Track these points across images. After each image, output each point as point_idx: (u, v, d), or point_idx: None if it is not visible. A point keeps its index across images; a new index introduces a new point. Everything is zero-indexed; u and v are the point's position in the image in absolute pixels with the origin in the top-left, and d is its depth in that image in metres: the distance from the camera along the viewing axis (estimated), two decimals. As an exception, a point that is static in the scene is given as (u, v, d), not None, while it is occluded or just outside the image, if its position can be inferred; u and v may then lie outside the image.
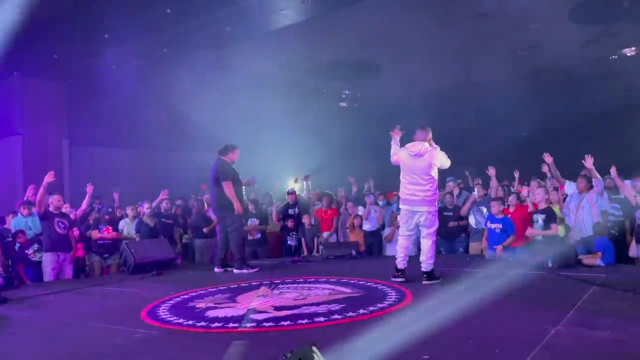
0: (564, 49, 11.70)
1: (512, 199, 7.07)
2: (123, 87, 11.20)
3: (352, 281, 5.55)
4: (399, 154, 5.47)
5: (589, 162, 6.37)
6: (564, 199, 7.09)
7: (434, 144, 5.43)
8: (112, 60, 11.19)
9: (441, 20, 10.41)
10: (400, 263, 5.47)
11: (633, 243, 6.08)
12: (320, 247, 7.89)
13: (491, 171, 7.46)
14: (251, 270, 6.52)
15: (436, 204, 5.49)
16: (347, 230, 8.25)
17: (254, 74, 12.46)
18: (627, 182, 6.61)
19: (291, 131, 12.79)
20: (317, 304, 4.52)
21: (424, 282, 5.29)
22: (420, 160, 5.29)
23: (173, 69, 11.34)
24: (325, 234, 8.33)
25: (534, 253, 5.99)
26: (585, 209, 6.46)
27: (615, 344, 3.10)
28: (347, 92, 15.58)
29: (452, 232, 7.83)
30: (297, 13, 10.29)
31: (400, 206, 5.53)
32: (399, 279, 5.39)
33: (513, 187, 8.44)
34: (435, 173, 5.34)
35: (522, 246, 6.68)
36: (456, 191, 8.42)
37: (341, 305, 4.43)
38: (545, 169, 7.55)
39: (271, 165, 12.46)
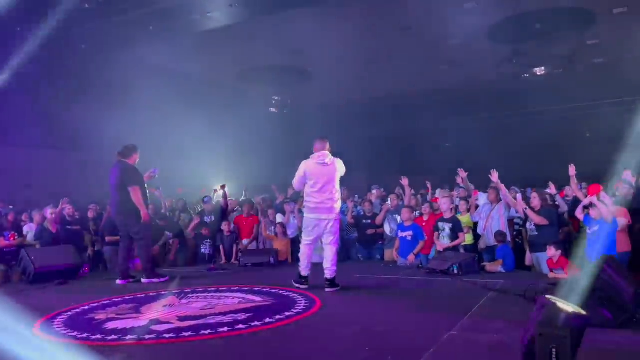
0: (480, 66, 12.41)
1: (425, 207, 7.33)
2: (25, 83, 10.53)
3: (265, 289, 5.50)
4: (306, 165, 5.49)
5: (494, 176, 6.72)
6: (476, 208, 7.44)
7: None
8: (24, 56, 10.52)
9: (368, 31, 10.69)
10: (305, 270, 5.53)
11: (528, 251, 6.48)
12: (239, 255, 7.78)
13: (404, 181, 7.71)
14: (161, 280, 6.30)
15: (339, 211, 5.64)
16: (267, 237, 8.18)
17: (179, 75, 12.16)
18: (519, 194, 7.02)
19: (218, 136, 12.58)
20: (224, 314, 4.44)
21: (327, 290, 5.35)
22: (328, 169, 5.42)
23: (92, 67, 10.83)
24: (245, 241, 8.23)
25: (442, 260, 6.23)
26: (494, 219, 6.80)
27: (500, 346, 3.27)
28: (276, 97, 15.58)
29: (369, 239, 8.00)
30: (225, 16, 10.17)
31: (307, 215, 5.57)
32: (303, 286, 5.44)
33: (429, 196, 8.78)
34: (338, 180, 5.51)
35: (431, 253, 6.94)
36: (375, 199, 8.62)
37: (248, 315, 4.37)
38: (459, 180, 7.94)
39: (199, 171, 12.17)
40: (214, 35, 10.55)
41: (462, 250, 6.73)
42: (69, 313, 4.69)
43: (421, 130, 16.11)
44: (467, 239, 6.88)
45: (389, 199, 7.99)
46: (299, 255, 5.66)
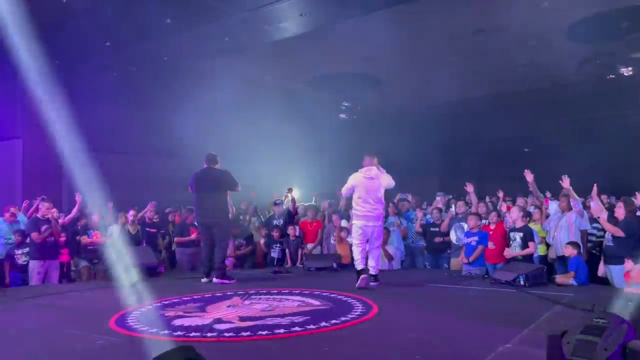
0: (561, 66, 11.75)
1: (492, 216, 7.09)
2: (120, 93, 11.42)
3: (325, 294, 5.60)
4: (355, 177, 6.22)
5: (566, 183, 6.38)
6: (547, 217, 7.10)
7: (380, 167, 6.26)
8: (112, 67, 11.44)
9: (441, 35, 10.52)
10: (360, 265, 6.15)
11: (601, 263, 6.08)
12: (304, 259, 7.95)
13: (469, 188, 7.51)
14: (231, 281, 6.61)
15: (383, 219, 6.42)
16: (334, 242, 8.29)
17: (253, 84, 12.62)
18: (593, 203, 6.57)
19: (289, 142, 12.90)
20: (282, 316, 4.58)
21: (372, 284, 5.97)
22: (373, 183, 6.12)
23: (172, 77, 11.54)
24: (309, 246, 8.39)
25: (509, 270, 6.00)
26: (563, 229, 6.47)
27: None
28: (346, 104, 15.70)
29: (437, 247, 7.86)
30: (296, 26, 10.45)
31: (354, 222, 6.26)
32: (363, 276, 5.94)
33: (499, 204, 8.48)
34: (383, 193, 6.20)
35: (499, 263, 6.69)
36: (441, 206, 8.47)
37: (305, 318, 4.49)
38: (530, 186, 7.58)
39: (269, 175, 12.55)
40: (286, 44, 10.86)
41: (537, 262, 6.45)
42: (143, 309, 5.05)
43: (497, 135, 15.54)
44: (540, 249, 6.58)
45: (455, 206, 7.81)
46: (352, 255, 6.28)
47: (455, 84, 12.92)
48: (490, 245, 6.77)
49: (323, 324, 4.27)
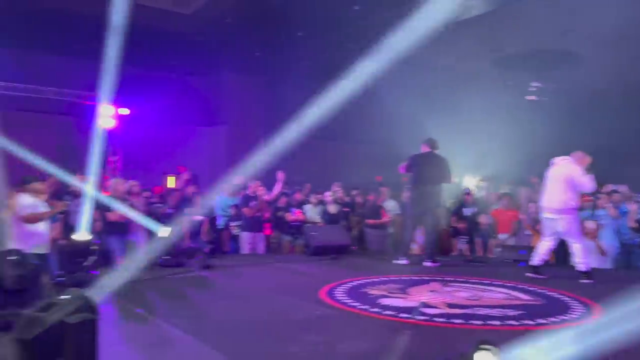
0: None
1: None
2: (312, 82, 12.07)
3: (531, 288, 5.25)
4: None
5: None
6: None
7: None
8: (304, 56, 12.17)
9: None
10: (536, 261, 6.01)
11: None
12: (496, 249, 7.56)
13: None
14: (437, 264, 6.67)
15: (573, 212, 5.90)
16: (530, 233, 7.72)
17: (434, 68, 12.32)
18: None
19: (471, 126, 12.35)
20: (491, 307, 4.41)
21: (583, 281, 5.64)
22: (559, 172, 5.85)
23: (357, 63, 11.82)
24: (502, 236, 7.94)
25: None
26: None
27: None
28: (536, 84, 14.41)
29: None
30: (486, 3, 9.88)
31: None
32: (533, 275, 5.87)
33: None
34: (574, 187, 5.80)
35: None
36: None
37: (518, 312, 4.26)
38: None
39: (454, 164, 12.23)
40: (470, 23, 10.34)
41: None
42: (347, 285, 5.30)
43: None
44: None
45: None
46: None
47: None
48: None
49: (540, 320, 4.00)
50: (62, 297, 2.48)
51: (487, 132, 12.20)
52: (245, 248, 7.60)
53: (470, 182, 9.83)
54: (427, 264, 6.68)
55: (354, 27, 10.64)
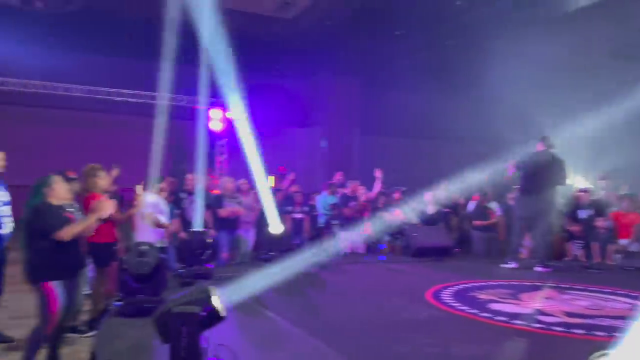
0: None
1: None
2: (408, 81, 11.95)
3: (662, 300, 4.77)
4: None
5: None
6: None
7: None
8: (399, 55, 12.05)
9: None
10: None
11: None
12: (616, 256, 6.96)
13: None
14: (549, 270, 6.31)
15: None
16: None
17: (545, 61, 11.62)
18: None
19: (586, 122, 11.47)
20: (615, 318, 4.08)
21: None
22: None
23: (458, 60, 11.49)
24: (622, 241, 7.28)
25: None
26: None
27: None
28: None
29: None
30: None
31: None
32: None
33: None
34: None
35: None
36: None
37: (648, 325, 3.89)
38: None
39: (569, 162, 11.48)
40: (587, 12, 9.64)
41: None
42: (453, 288, 5.17)
43: None
44: None
45: None
46: None
47: None
48: None
49: (677, 336, 3.62)
50: (192, 288, 2.70)
51: (604, 127, 11.26)
52: (344, 246, 7.67)
53: (584, 181, 9.11)
54: (538, 269, 6.33)
55: (456, 23, 10.36)
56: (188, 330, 2.38)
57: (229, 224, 6.73)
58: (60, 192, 3.56)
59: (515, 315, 4.11)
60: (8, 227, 4.37)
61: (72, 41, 10.91)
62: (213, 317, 2.47)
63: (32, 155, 10.44)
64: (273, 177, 12.32)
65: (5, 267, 4.47)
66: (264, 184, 6.78)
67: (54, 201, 3.53)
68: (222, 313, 2.49)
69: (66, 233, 3.39)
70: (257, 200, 6.94)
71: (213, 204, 6.70)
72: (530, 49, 11.09)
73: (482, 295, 4.85)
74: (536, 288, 5.23)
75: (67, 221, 3.47)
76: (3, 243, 4.35)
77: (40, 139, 11.92)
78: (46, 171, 3.85)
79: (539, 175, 6.36)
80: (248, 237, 6.91)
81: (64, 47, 11.13)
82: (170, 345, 2.39)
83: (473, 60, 10.82)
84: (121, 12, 10.20)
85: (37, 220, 3.44)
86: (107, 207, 3.62)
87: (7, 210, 4.38)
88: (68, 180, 3.91)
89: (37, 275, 3.42)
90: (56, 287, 3.42)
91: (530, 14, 9.77)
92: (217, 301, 2.48)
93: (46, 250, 3.40)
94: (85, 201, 4.62)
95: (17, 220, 4.32)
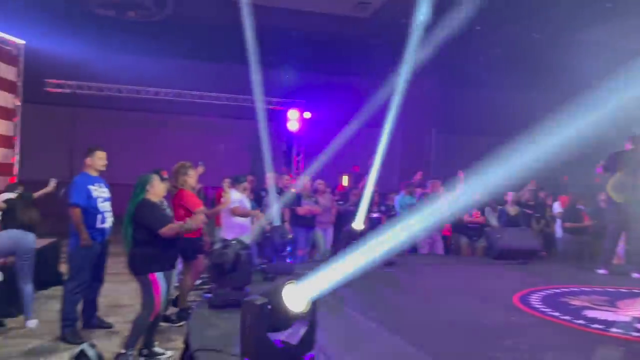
0: None
1: None
2: (487, 78, 11.55)
3: None
4: None
5: None
6: None
7: None
8: (477, 53, 11.67)
9: None
10: None
11: None
12: None
13: None
14: None
15: None
16: None
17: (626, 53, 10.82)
18: None
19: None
20: None
21: None
22: None
23: (544, 54, 10.96)
24: None
25: None
26: None
27: None
28: None
29: None
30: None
31: None
32: None
33: None
34: None
35: None
36: None
37: None
38: None
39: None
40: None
41: None
42: (542, 292, 4.92)
43: None
44: None
45: None
46: None
47: None
48: None
49: None
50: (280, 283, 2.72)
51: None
52: (422, 248, 7.55)
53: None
54: (636, 275, 5.91)
55: (536, 18, 9.88)
56: (251, 321, 2.34)
57: (305, 222, 6.83)
58: (158, 190, 3.83)
59: (613, 323, 3.85)
60: (109, 221, 4.71)
61: (160, 47, 11.58)
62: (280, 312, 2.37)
63: (122, 155, 11.21)
64: (347, 176, 12.38)
65: (107, 259, 4.84)
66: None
67: (153, 198, 3.79)
68: (295, 310, 2.40)
69: (169, 230, 3.67)
70: (332, 200, 6.98)
71: (291, 202, 6.83)
72: (624, 42, 10.36)
73: (575, 302, 4.58)
74: (634, 295, 4.88)
75: (169, 219, 3.73)
76: (105, 236, 4.70)
77: (133, 139, 12.76)
78: (139, 170, 4.13)
79: (630, 175, 5.91)
80: (326, 236, 6.98)
81: (151, 53, 11.84)
82: (240, 334, 2.39)
83: (560, 54, 10.28)
84: (205, 19, 10.68)
85: (142, 217, 3.71)
86: (203, 220, 4.00)
87: (108, 205, 4.73)
88: (162, 179, 4.15)
89: (143, 266, 3.71)
90: (159, 278, 3.68)
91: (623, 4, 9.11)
92: (291, 297, 2.41)
93: (152, 244, 3.69)
94: (174, 198, 4.89)
95: (116, 216, 4.66)
